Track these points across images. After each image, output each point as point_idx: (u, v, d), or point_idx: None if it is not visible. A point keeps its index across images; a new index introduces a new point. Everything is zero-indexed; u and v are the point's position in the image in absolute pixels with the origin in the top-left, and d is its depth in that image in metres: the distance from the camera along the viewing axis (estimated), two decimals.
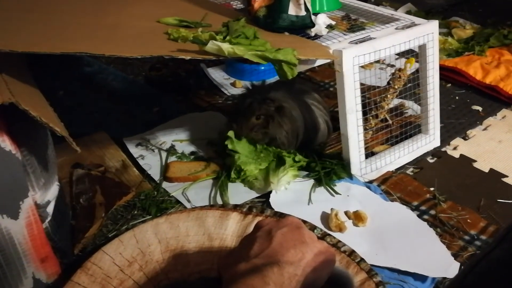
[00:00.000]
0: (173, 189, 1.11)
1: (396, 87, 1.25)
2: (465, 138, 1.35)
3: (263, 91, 1.18)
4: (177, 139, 1.29)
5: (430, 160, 1.26)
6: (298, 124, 1.17)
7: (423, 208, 1.08)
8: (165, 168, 1.17)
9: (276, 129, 1.15)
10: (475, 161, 1.25)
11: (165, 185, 1.13)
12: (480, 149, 1.31)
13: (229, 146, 1.13)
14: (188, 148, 1.26)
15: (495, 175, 1.20)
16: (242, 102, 1.17)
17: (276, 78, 1.55)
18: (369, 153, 1.21)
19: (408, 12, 2.12)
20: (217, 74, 1.67)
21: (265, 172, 1.13)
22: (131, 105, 1.48)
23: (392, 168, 1.20)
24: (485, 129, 1.40)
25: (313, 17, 1.12)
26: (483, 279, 0.45)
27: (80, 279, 0.83)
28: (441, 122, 1.31)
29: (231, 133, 1.14)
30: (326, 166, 1.15)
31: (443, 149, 1.30)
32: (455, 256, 0.94)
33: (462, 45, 1.80)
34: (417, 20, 1.21)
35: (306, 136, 1.19)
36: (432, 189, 1.14)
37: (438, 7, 2.30)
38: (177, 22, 1.11)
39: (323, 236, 0.91)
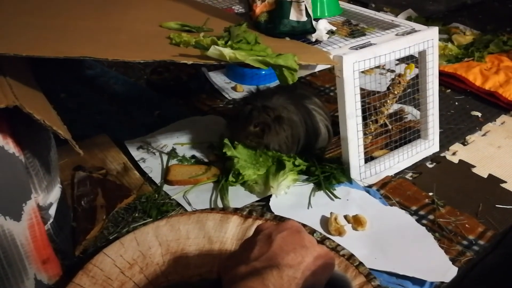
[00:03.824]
0: (174, 192, 1.12)
1: (395, 92, 1.26)
2: (464, 143, 1.36)
3: (265, 97, 1.19)
4: (178, 142, 1.30)
5: (429, 165, 1.27)
6: (298, 129, 1.17)
7: (421, 212, 1.09)
8: (166, 171, 1.18)
9: (271, 138, 1.15)
10: (474, 166, 1.26)
11: (166, 188, 1.13)
12: (479, 154, 1.31)
13: (228, 153, 1.14)
14: (189, 152, 1.26)
15: (493, 181, 1.21)
16: (242, 109, 1.17)
17: (277, 82, 1.56)
18: (369, 158, 1.22)
19: (409, 18, 2.12)
20: (218, 78, 1.68)
21: (265, 176, 1.13)
22: (133, 108, 1.49)
23: (391, 172, 1.21)
24: (484, 134, 1.41)
25: (314, 22, 1.13)
26: (478, 283, 0.46)
27: (81, 280, 0.84)
28: (440, 127, 1.31)
29: (226, 141, 1.15)
30: (326, 170, 1.16)
31: (442, 154, 1.30)
32: (453, 261, 0.95)
33: (461, 51, 1.81)
34: (417, 26, 1.22)
35: (307, 141, 1.20)
36: (431, 194, 1.14)
37: (438, 13, 2.31)
38: (179, 27, 1.11)
39: (322, 240, 0.92)
